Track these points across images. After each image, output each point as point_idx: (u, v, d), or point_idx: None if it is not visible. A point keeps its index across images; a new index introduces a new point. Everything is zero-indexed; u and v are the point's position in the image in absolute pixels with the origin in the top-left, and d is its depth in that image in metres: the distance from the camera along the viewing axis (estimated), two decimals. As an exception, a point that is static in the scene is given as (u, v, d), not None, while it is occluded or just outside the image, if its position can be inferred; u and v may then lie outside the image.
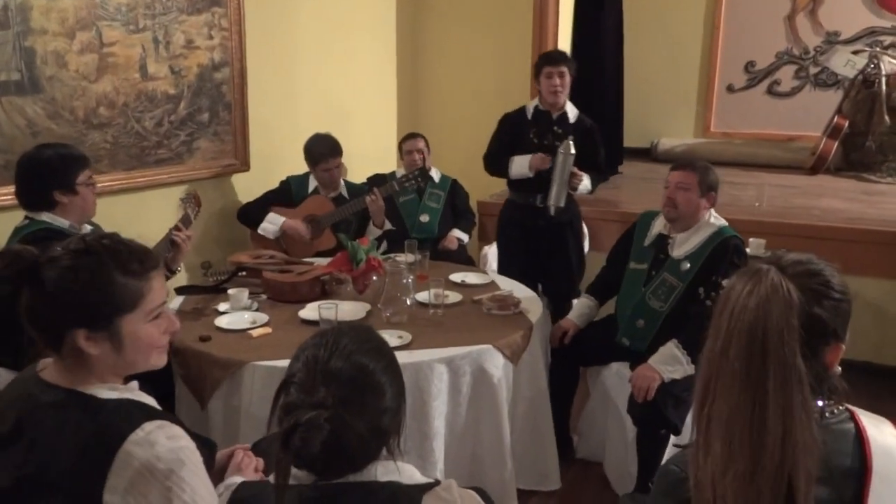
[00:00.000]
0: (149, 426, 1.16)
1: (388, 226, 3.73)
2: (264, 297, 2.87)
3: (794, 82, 6.20)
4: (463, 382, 2.37)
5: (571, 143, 3.32)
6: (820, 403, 1.11)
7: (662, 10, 6.28)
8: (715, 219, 2.72)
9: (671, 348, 2.55)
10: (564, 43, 5.09)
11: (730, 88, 6.38)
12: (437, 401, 2.31)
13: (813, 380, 1.08)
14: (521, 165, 3.46)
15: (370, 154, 4.62)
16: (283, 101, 3.97)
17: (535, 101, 3.56)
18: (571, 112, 3.50)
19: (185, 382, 2.41)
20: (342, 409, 1.05)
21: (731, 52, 6.30)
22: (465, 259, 3.99)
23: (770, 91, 6.27)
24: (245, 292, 2.76)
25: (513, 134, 3.55)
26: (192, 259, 3.39)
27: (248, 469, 1.49)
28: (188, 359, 2.39)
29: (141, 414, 1.19)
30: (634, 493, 1.96)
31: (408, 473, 1.15)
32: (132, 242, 1.27)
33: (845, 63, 6.00)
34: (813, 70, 6.13)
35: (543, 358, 2.75)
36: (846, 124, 5.44)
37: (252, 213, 3.57)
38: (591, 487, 2.84)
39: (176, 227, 2.73)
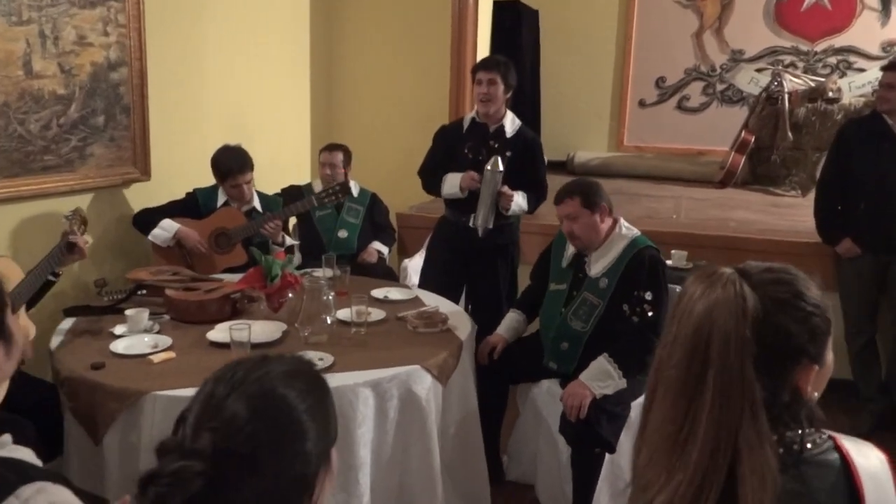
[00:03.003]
0: (26, 491, 0.94)
1: (288, 241, 3.50)
2: (167, 317, 2.61)
3: (702, 98, 6.38)
4: (390, 407, 2.20)
5: (500, 160, 3.14)
6: (798, 432, 1.00)
7: (576, 26, 6.35)
8: (627, 230, 2.65)
9: (602, 363, 2.46)
10: (483, 54, 5.02)
11: (641, 103, 6.50)
12: (362, 428, 2.12)
13: (778, 404, 0.98)
14: (452, 185, 3.27)
15: (282, 164, 4.40)
16: (187, 105, 3.70)
17: (473, 113, 3.37)
18: (510, 125, 3.30)
19: (75, 416, 2.13)
20: (228, 463, 0.84)
21: (642, 67, 6.42)
22: (385, 272, 3.82)
23: (680, 106, 6.43)
24: (145, 313, 2.49)
25: (447, 148, 3.35)
26: (85, 276, 3.08)
27: None
28: (78, 389, 2.12)
29: (15, 476, 0.96)
30: None
31: None
32: None
33: (749, 80, 6.23)
34: (720, 87, 6.32)
35: (473, 376, 2.60)
36: (752, 139, 5.62)
37: (147, 218, 3.27)
38: (523, 512, 2.72)
39: (71, 231, 2.48)
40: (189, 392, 1.98)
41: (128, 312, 2.47)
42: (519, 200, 3.22)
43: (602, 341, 2.54)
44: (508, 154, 3.22)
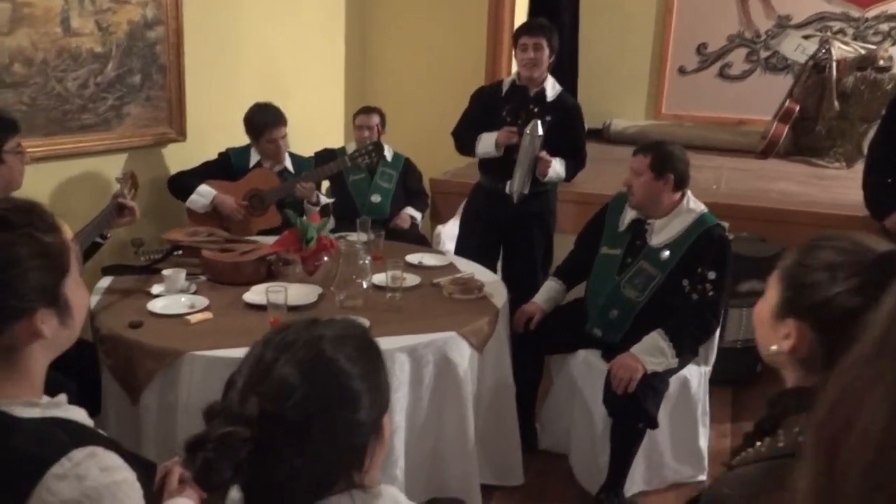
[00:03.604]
0: (77, 455, 0.92)
1: (323, 200, 3.47)
2: (203, 278, 2.61)
3: (745, 66, 6.18)
4: (425, 373, 2.18)
5: (539, 124, 3.06)
6: None
7: (617, -8, 6.17)
8: (695, 204, 2.57)
9: (656, 339, 2.39)
10: (520, 18, 4.90)
11: (681, 71, 6.32)
12: (397, 393, 2.11)
13: None
14: (487, 143, 3.19)
15: (316, 126, 4.36)
16: (223, 65, 3.67)
17: (513, 76, 3.29)
18: (551, 89, 3.22)
19: (114, 374, 2.14)
20: (275, 430, 0.82)
21: (683, 34, 6.23)
22: (418, 238, 3.79)
23: (721, 74, 6.24)
24: (182, 273, 2.49)
25: (485, 110, 3.27)
26: (121, 236, 3.09)
27: (186, 489, 1.26)
28: (117, 347, 2.13)
29: (67, 438, 0.95)
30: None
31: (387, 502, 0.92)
32: (20, 199, 1.05)
33: (796, 48, 6.01)
34: (764, 54, 6.11)
35: (508, 345, 2.57)
36: (797, 109, 5.44)
37: (183, 183, 3.26)
38: (556, 481, 2.70)
39: (120, 194, 2.49)
40: (226, 353, 2.01)
41: (165, 272, 2.48)
42: (556, 167, 3.15)
43: (653, 313, 2.47)
44: (548, 119, 3.15)
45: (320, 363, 0.87)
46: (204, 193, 3.21)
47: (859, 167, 5.16)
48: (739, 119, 6.11)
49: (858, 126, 5.32)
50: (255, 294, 2.42)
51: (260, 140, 3.36)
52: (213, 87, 3.58)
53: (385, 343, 2.11)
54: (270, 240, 2.95)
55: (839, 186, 4.49)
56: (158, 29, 3.20)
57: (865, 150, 5.21)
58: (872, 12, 5.79)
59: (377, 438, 0.92)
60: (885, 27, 5.77)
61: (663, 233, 2.53)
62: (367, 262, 2.43)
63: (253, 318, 2.28)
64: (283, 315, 2.20)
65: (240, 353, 1.98)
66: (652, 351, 2.40)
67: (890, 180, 3.41)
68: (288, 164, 3.47)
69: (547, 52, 3.15)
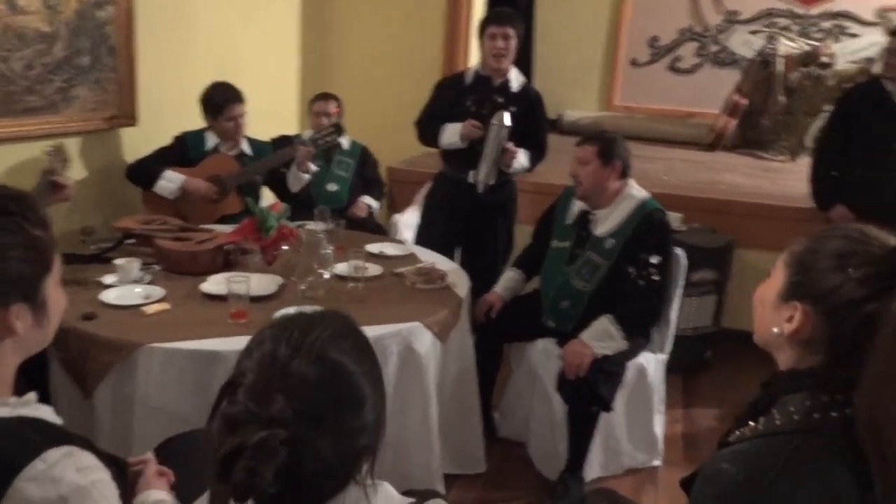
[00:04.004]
0: (52, 455, 0.89)
1: (313, 167, 3.40)
2: (157, 268, 2.54)
3: (694, 59, 6.31)
4: (389, 363, 2.17)
5: (507, 115, 3.05)
6: None
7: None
8: (637, 191, 2.63)
9: (605, 323, 2.45)
10: (478, 7, 4.90)
11: (634, 63, 6.41)
12: (361, 384, 2.09)
13: None
14: (452, 134, 3.17)
15: (271, 113, 4.27)
16: (175, 48, 3.56)
17: (476, 66, 3.27)
18: (516, 80, 3.22)
19: (65, 368, 2.07)
20: (305, 428, 0.80)
21: (635, 27, 6.32)
22: (375, 227, 3.77)
23: (672, 67, 6.36)
24: (136, 262, 2.42)
25: (449, 100, 3.24)
26: (70, 224, 2.98)
27: (158, 482, 1.23)
28: (69, 340, 2.05)
29: (41, 438, 0.91)
30: (605, 490, 1.84)
31: (382, 497, 0.93)
32: (15, 189, 1.00)
33: (743, 43, 6.16)
34: (713, 48, 6.25)
35: (470, 334, 2.58)
36: (745, 102, 5.58)
37: (146, 170, 3.17)
38: (516, 468, 2.73)
39: (51, 171, 2.38)
40: (185, 345, 1.97)
41: (118, 262, 2.41)
42: (521, 158, 3.16)
43: (603, 301, 2.53)
44: (513, 110, 3.15)
45: (327, 364, 0.85)
46: (172, 179, 3.13)
47: (803, 160, 5.35)
48: (688, 112, 6.24)
49: (803, 120, 5.49)
50: (214, 284, 2.37)
51: (219, 119, 3.27)
52: (165, 70, 3.48)
53: (349, 334, 2.12)
54: (227, 228, 2.90)
55: (785, 179, 4.64)
56: (109, 9, 3.09)
57: (809, 144, 5.40)
58: (816, 10, 5.97)
59: (384, 421, 0.92)
60: (827, 25, 5.95)
61: (607, 222, 2.59)
62: (329, 251, 2.40)
63: (212, 309, 2.23)
64: (245, 306, 2.16)
65: (200, 345, 1.98)
66: (600, 335, 2.45)
67: (834, 173, 3.54)
68: (246, 147, 3.39)
69: (514, 41, 3.15)
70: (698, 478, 1.04)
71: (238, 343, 2.00)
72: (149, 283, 2.38)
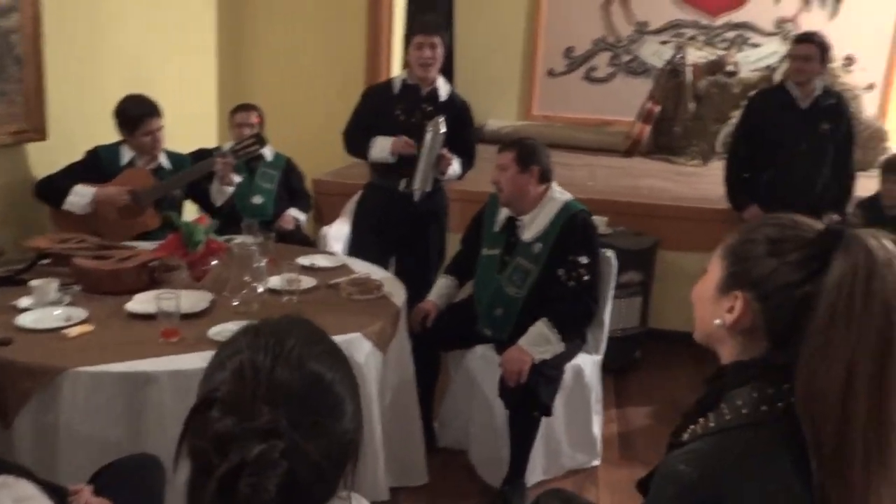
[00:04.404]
0: None
1: (236, 179, 3.32)
2: (77, 288, 2.41)
3: (608, 69, 6.50)
4: (330, 376, 2.12)
5: (442, 121, 3.04)
6: None
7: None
8: (560, 194, 2.67)
9: (541, 327, 2.48)
10: (399, 15, 4.90)
11: (551, 73, 6.55)
12: (302, 399, 2.04)
13: None
14: (382, 149, 3.13)
15: (188, 126, 4.13)
16: (86, 58, 3.40)
17: (404, 74, 3.24)
18: (443, 88, 3.22)
19: (-19, 397, 1.93)
20: (298, 436, 0.77)
21: (551, 37, 6.46)
22: (303, 240, 3.70)
23: (587, 77, 6.53)
24: (54, 283, 2.29)
25: (377, 110, 3.20)
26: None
27: None
28: (-17, 368, 1.91)
29: None
30: (556, 489, 1.84)
31: None
32: None
33: (653, 52, 6.40)
34: (625, 58, 6.46)
35: (409, 343, 2.56)
36: (658, 110, 5.78)
37: (55, 187, 3.00)
38: (458, 477, 2.72)
39: None
40: (115, 368, 1.87)
41: (33, 283, 2.26)
42: (455, 165, 3.17)
43: (537, 306, 2.55)
44: (441, 117, 3.15)
45: (306, 372, 0.82)
46: (82, 193, 2.98)
47: (714, 164, 5.59)
48: (605, 120, 6.42)
49: (712, 126, 5.74)
50: (140, 303, 2.26)
51: (135, 134, 3.13)
52: (75, 81, 3.32)
53: (288, 348, 2.06)
54: (149, 245, 2.78)
55: (699, 182, 4.83)
56: (13, 17, 2.92)
57: (719, 149, 5.65)
58: (720, 21, 6.26)
59: (362, 425, 0.89)
60: (731, 35, 6.25)
61: (533, 227, 2.62)
62: (262, 264, 2.34)
63: (140, 329, 2.13)
64: (176, 323, 2.07)
65: (129, 366, 1.89)
66: (537, 340, 2.47)
67: (746, 175, 3.71)
68: (164, 160, 3.26)
69: (441, 50, 3.15)
70: (654, 478, 1.04)
71: (171, 363, 1.94)
72: (69, 305, 2.25)
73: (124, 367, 1.90)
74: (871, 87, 6.01)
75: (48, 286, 2.26)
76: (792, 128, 3.58)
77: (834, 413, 0.93)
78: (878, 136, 5.50)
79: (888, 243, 0.95)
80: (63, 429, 1.87)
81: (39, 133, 3.12)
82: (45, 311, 2.18)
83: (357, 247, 3.34)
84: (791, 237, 1.04)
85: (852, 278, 0.93)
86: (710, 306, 1.11)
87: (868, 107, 5.83)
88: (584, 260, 2.53)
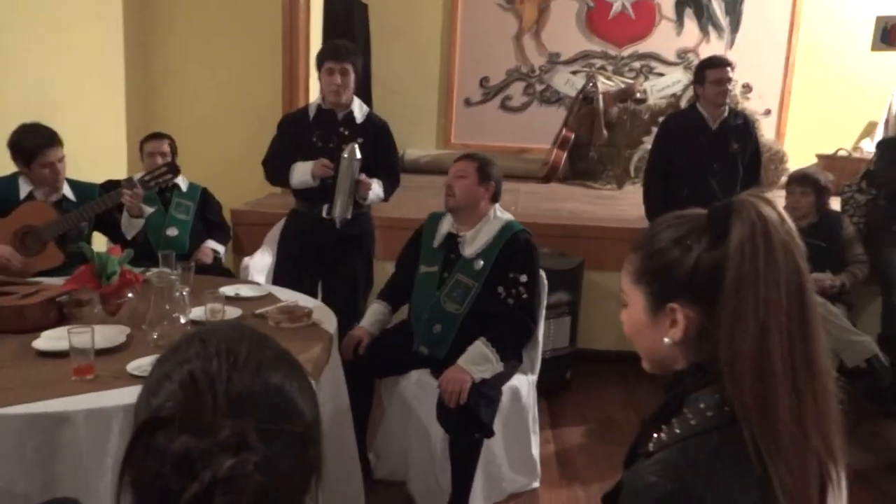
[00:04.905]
0: None
1: (147, 210, 3.15)
2: (-25, 328, 2.20)
3: (523, 98, 6.65)
4: (262, 408, 2.00)
5: (357, 147, 3.01)
6: None
7: (404, 24, 6.38)
8: (501, 213, 2.69)
9: (480, 347, 2.44)
10: (316, 41, 4.85)
11: (467, 102, 6.65)
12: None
13: None
14: (303, 173, 3.08)
15: (95, 157, 3.93)
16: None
17: (319, 100, 3.20)
18: (359, 111, 3.19)
19: None
20: (267, 448, 0.69)
21: (467, 67, 6.57)
22: (222, 272, 3.55)
23: (503, 105, 6.65)
24: (-51, 323, 2.08)
25: (294, 137, 3.15)
26: None
27: None
28: None
29: None
30: None
31: None
32: None
33: (565, 82, 6.59)
34: (539, 87, 6.62)
35: (342, 371, 2.46)
36: (572, 137, 5.93)
37: None
38: (398, 509, 2.62)
39: None
40: (23, 409, 1.70)
41: (-75, 323, 2.06)
42: (376, 188, 3.13)
43: (475, 323, 2.52)
44: (360, 141, 3.11)
45: (261, 378, 0.74)
46: None
47: (629, 188, 5.76)
48: (521, 147, 6.54)
49: (624, 151, 5.93)
50: (49, 340, 2.08)
51: (32, 166, 2.92)
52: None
53: (216, 380, 1.94)
54: (56, 280, 2.59)
55: (616, 205, 4.96)
56: None
57: (633, 174, 5.83)
58: (627, 51, 6.53)
59: (321, 432, 0.81)
60: (637, 64, 6.52)
61: (475, 243, 2.62)
62: (184, 294, 2.21)
63: (50, 368, 1.95)
64: (91, 360, 1.91)
65: (40, 407, 1.72)
66: (477, 359, 2.44)
67: (662, 193, 3.81)
68: (67, 191, 3.06)
69: (353, 76, 3.12)
70: (624, 493, 0.99)
71: (87, 401, 1.79)
72: (-34, 346, 2.06)
73: (34, 407, 1.73)
74: (767, 112, 6.38)
75: (-58, 326, 2.05)
76: (704, 148, 3.72)
77: (752, 370, 0.92)
78: (778, 158, 5.82)
79: (773, 203, 0.98)
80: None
81: (-71, 164, 2.88)
82: (-62, 353, 1.98)
83: (282, 276, 3.23)
84: (689, 229, 1.03)
85: (752, 237, 0.94)
86: (649, 332, 1.07)
87: (766, 131, 6.16)
88: (523, 278, 2.53)
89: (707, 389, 0.99)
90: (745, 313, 0.93)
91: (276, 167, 3.18)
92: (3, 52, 3.29)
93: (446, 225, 2.69)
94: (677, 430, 0.98)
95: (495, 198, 2.67)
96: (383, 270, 3.69)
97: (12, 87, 3.34)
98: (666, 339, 1.03)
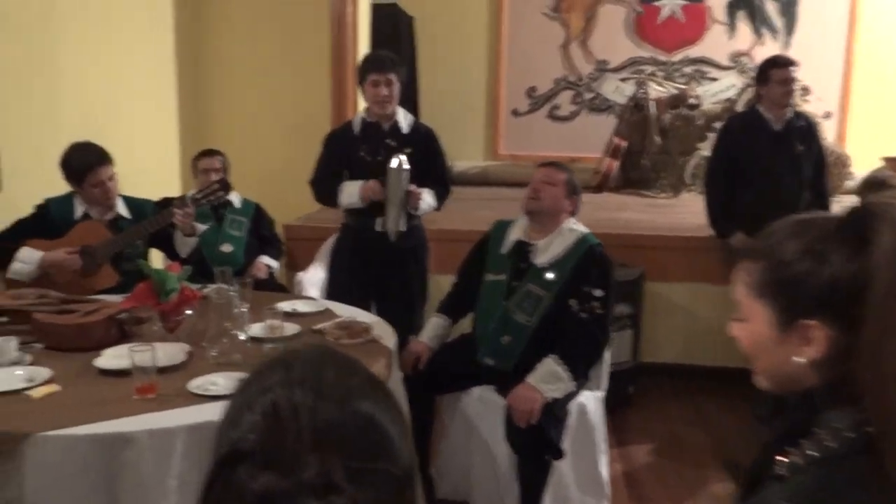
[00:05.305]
0: None
1: (200, 228, 3.13)
2: (39, 346, 2.20)
3: (571, 107, 6.53)
4: (325, 427, 1.94)
5: (404, 158, 2.95)
6: None
7: (450, 36, 6.33)
8: (575, 224, 2.60)
9: (551, 364, 2.34)
10: (364, 53, 4.84)
11: (515, 113, 6.56)
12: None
13: None
14: (350, 195, 3.05)
15: (149, 174, 3.96)
16: (40, 106, 3.23)
17: (362, 113, 3.16)
18: (405, 121, 3.14)
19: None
20: (356, 489, 0.61)
21: (513, 78, 6.49)
22: (277, 288, 3.53)
23: (551, 115, 6.55)
24: (12, 341, 2.08)
25: (341, 154, 3.11)
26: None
27: None
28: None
29: None
30: None
31: None
32: None
33: (614, 89, 6.46)
34: (587, 95, 6.50)
35: (403, 388, 2.39)
36: (625, 145, 5.80)
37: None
38: (460, 530, 2.53)
39: None
40: (85, 430, 1.67)
41: (-10, 343, 2.05)
42: (427, 198, 3.07)
43: (545, 336, 2.43)
44: (408, 151, 3.05)
45: (349, 406, 0.67)
46: (27, 259, 2.75)
47: (685, 196, 5.60)
48: (571, 157, 6.40)
49: (678, 158, 5.77)
50: (111, 358, 2.07)
51: (83, 185, 2.91)
52: (31, 131, 3.14)
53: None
54: (114, 298, 2.59)
55: (674, 213, 4.80)
56: (-39, 63, 2.75)
57: (689, 181, 5.67)
58: (677, 57, 6.37)
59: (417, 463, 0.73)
60: (688, 69, 6.35)
61: (547, 253, 2.53)
62: (244, 310, 2.17)
63: (111, 386, 1.93)
64: (153, 378, 1.88)
65: (103, 427, 1.69)
66: (547, 378, 2.34)
67: (729, 200, 3.66)
68: (122, 209, 3.06)
69: (397, 86, 3.07)
70: None
71: (149, 421, 1.75)
72: (30, 364, 2.04)
73: (97, 428, 1.70)
74: (828, 115, 6.14)
75: (6, 345, 2.05)
76: (768, 150, 3.57)
77: None
78: (841, 162, 5.60)
79: None
80: (30, 500, 1.65)
81: (-8, 184, 2.92)
82: (5, 371, 1.97)
83: (335, 291, 3.19)
84: (817, 236, 0.93)
85: None
86: (776, 349, 0.96)
87: (827, 135, 5.94)
88: (598, 293, 2.43)
89: (841, 409, 0.89)
90: (893, 330, 0.82)
91: (324, 186, 3.15)
92: (58, 76, 3.33)
93: (516, 232, 2.61)
94: (812, 453, 0.88)
95: (573, 212, 2.63)
96: (436, 284, 3.63)
97: (68, 110, 3.38)
98: (797, 359, 0.93)
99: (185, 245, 3.11)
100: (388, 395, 0.72)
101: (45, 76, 3.26)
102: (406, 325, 2.95)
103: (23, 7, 3.08)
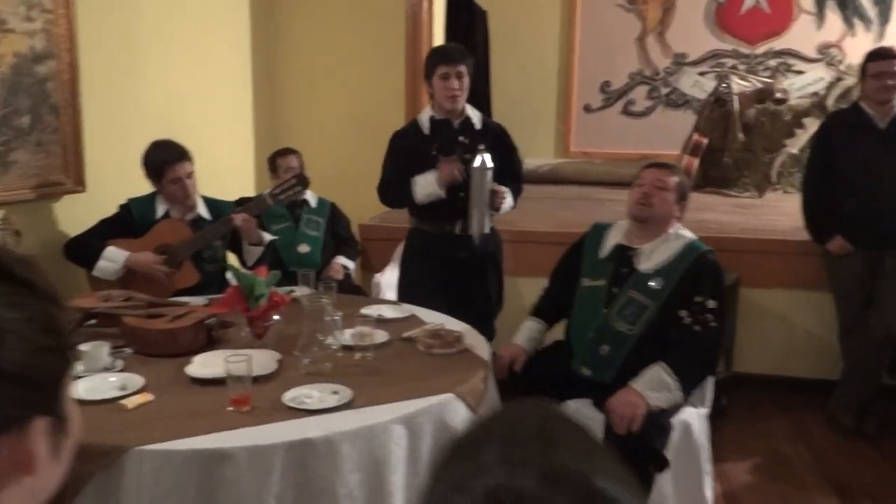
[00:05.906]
0: None
1: (267, 237, 3.05)
2: (128, 351, 2.16)
3: (647, 102, 6.31)
4: (422, 445, 1.84)
5: (487, 156, 2.77)
6: None
7: (522, 30, 6.18)
8: (684, 231, 2.44)
9: (659, 372, 2.18)
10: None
11: (587, 108, 6.38)
12: (395, 474, 1.76)
13: None
14: (427, 185, 2.85)
15: (225, 173, 3.94)
16: (123, 105, 3.22)
17: (429, 111, 2.98)
18: (475, 116, 2.97)
19: (28, 484, 1.66)
20: None
21: (586, 72, 6.30)
22: (353, 289, 3.46)
23: (625, 111, 6.34)
24: (105, 347, 2.04)
25: (409, 154, 2.93)
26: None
27: None
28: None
29: None
30: None
31: None
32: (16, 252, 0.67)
33: (693, 83, 6.21)
34: (664, 90, 6.27)
35: (499, 401, 2.27)
36: (705, 141, 5.55)
37: (83, 249, 2.78)
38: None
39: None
40: (183, 444, 1.60)
41: (83, 347, 2.01)
42: (508, 197, 2.92)
43: (649, 347, 2.26)
44: (482, 147, 2.88)
45: (595, 496, 0.54)
46: (113, 257, 2.74)
47: (770, 195, 5.33)
48: (645, 154, 6.17)
49: (763, 156, 5.50)
50: (202, 366, 2.00)
51: (163, 182, 2.89)
52: (113, 129, 3.13)
53: (377, 414, 1.78)
54: (199, 300, 2.54)
55: (763, 213, 4.56)
56: (49, 63, 2.74)
57: (775, 179, 5.40)
58: (761, 49, 6.08)
59: None
60: (773, 62, 6.06)
61: (652, 259, 2.37)
62: (337, 318, 2.08)
63: (206, 397, 1.87)
64: (248, 389, 1.81)
65: (199, 442, 1.61)
66: (654, 384, 2.18)
67: (827, 204, 3.43)
68: (202, 209, 3.02)
69: (468, 79, 2.90)
70: None
71: (247, 436, 1.67)
72: (121, 371, 2.00)
73: (194, 443, 1.63)
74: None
75: (99, 350, 2.01)
76: (871, 150, 3.32)
77: None
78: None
79: None
80: (126, 518, 1.60)
81: (78, 184, 2.92)
82: (97, 378, 1.93)
83: (409, 296, 3.03)
84: None
85: None
86: None
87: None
88: (711, 304, 2.25)
89: None
90: None
91: (395, 188, 2.96)
92: (139, 74, 3.32)
93: (616, 235, 2.46)
94: None
95: (680, 217, 2.46)
96: (513, 287, 3.49)
97: (148, 107, 3.37)
98: None
99: (250, 254, 3.01)
100: (630, 477, 0.59)
101: (127, 77, 3.25)
102: (482, 332, 2.81)
103: (108, 11, 3.07)
